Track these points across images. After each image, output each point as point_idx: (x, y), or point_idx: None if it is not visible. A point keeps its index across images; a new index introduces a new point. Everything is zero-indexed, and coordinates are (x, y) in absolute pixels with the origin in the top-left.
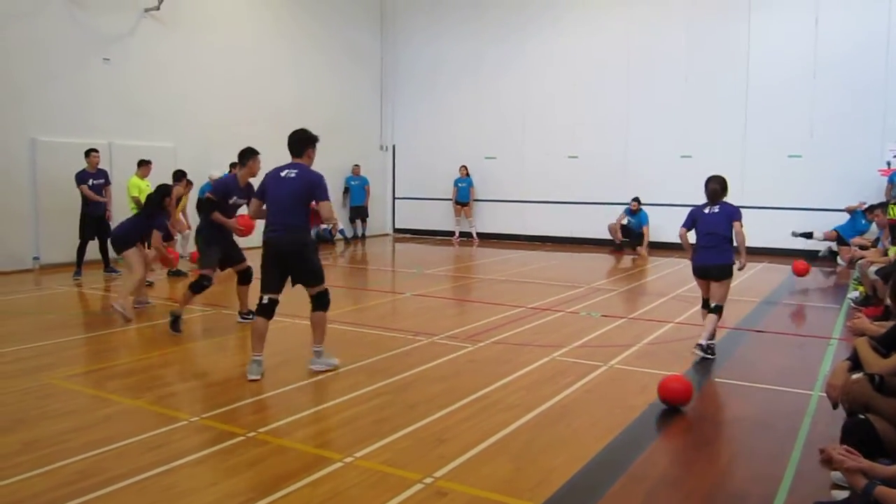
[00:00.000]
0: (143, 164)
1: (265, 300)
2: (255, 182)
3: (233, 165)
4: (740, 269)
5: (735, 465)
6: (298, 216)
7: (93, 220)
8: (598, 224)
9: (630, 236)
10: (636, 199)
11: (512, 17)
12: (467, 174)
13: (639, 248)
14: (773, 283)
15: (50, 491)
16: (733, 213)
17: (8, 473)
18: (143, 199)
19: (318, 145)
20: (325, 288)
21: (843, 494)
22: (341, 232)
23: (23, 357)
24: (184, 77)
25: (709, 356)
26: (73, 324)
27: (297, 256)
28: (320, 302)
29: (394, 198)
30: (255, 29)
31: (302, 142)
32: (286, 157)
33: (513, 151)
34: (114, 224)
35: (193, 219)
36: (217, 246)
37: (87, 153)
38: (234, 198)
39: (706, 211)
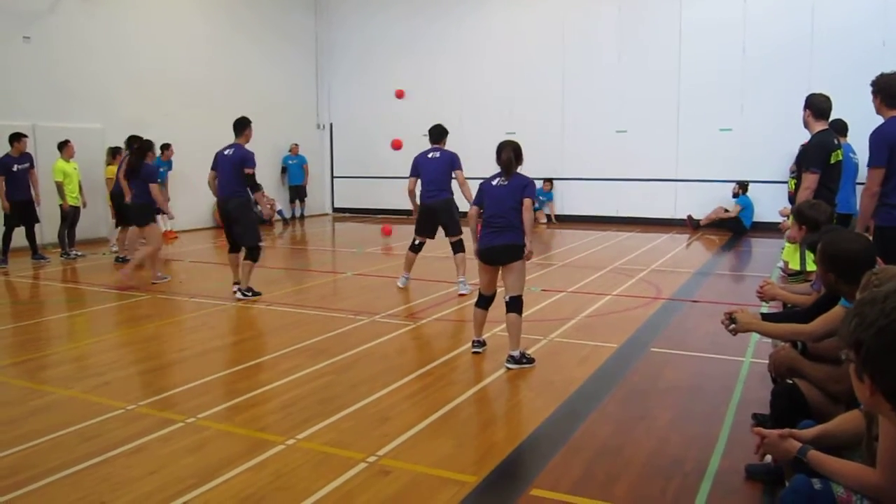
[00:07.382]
0: (65, 146)
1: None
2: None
3: (165, 147)
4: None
5: (672, 432)
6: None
7: (17, 206)
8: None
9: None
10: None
11: None
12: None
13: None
14: (706, 254)
15: None
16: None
17: None
18: (68, 184)
19: (254, 125)
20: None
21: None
22: (279, 213)
23: None
24: (110, 56)
25: (526, 365)
26: (0, 313)
27: None
28: None
29: (332, 177)
30: (184, 7)
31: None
32: (221, 137)
33: (450, 128)
34: (40, 212)
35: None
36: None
37: (16, 138)
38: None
39: (494, 183)
